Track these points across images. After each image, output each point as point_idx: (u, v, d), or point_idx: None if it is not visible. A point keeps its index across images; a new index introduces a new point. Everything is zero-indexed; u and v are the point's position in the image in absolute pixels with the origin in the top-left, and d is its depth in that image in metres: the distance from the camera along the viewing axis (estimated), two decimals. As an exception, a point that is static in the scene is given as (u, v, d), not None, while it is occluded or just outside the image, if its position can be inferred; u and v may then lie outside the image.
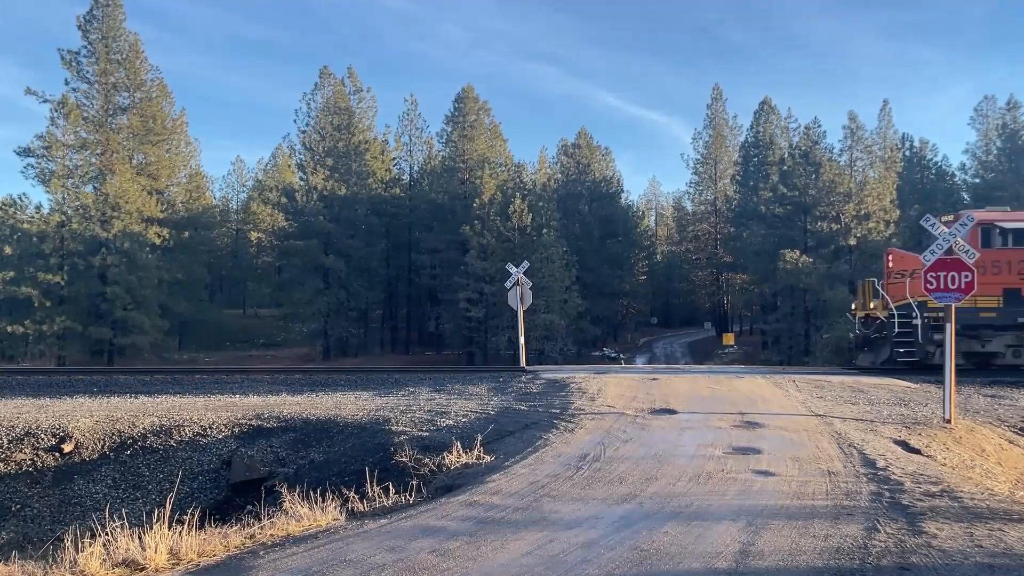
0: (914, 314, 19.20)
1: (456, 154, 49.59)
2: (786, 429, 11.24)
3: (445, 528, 6.51)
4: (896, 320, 19.45)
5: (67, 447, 12.54)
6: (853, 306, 20.74)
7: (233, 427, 12.90)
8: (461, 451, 10.06)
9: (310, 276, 47.37)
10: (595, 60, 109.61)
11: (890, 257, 21.30)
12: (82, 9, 51.61)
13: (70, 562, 6.00)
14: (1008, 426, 12.69)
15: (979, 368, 19.38)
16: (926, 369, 19.06)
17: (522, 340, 22.12)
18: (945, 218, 22.26)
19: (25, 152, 39.84)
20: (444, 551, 5.81)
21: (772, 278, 44.43)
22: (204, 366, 34.50)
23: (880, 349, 20.22)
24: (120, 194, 39.54)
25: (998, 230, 19.47)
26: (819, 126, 45.99)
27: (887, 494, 7.57)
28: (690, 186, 57.09)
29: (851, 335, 21.40)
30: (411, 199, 51.61)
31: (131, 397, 16.54)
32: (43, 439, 12.72)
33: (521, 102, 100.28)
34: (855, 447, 9.99)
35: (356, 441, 11.89)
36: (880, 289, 20.46)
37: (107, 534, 6.38)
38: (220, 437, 12.66)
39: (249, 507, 9.66)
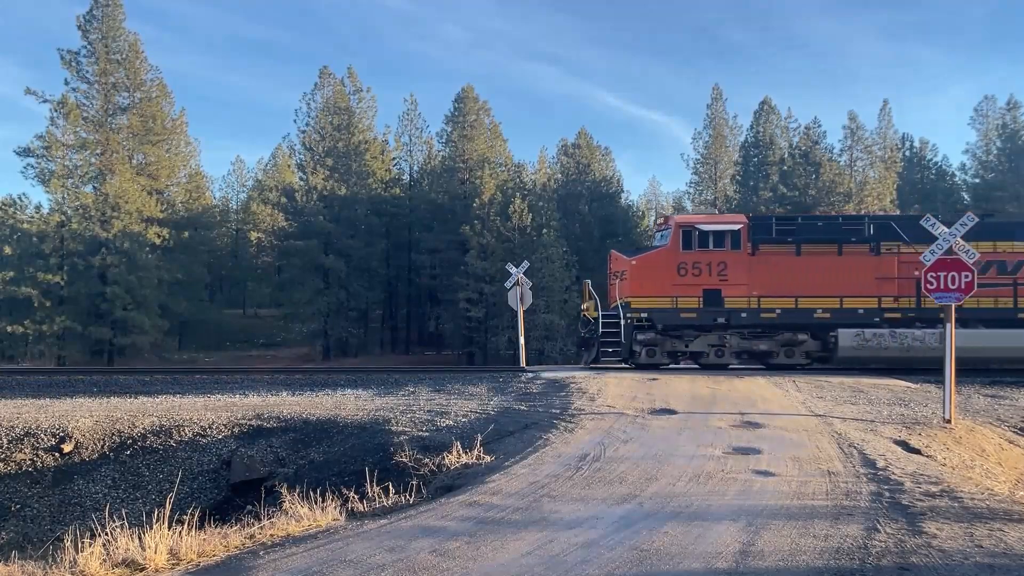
0: (620, 315, 19.59)
1: (456, 154, 49.55)
2: (786, 429, 11.24)
3: (445, 528, 6.50)
4: (600, 320, 19.80)
5: (67, 447, 12.54)
6: (586, 306, 20.99)
7: (233, 427, 12.90)
8: (461, 451, 10.06)
9: (310, 276, 47.35)
10: (595, 60, 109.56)
11: (610, 258, 21.58)
12: (82, 9, 51.58)
13: (70, 562, 6.00)
14: (1008, 426, 12.69)
15: (709, 367, 19.78)
16: (641, 368, 19.47)
17: (522, 340, 22.14)
18: (659, 221, 22.67)
19: (25, 152, 39.82)
20: (444, 551, 5.80)
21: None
22: (204, 366, 34.51)
23: (592, 348, 20.44)
24: (120, 194, 39.50)
25: (697, 232, 19.80)
26: (819, 126, 45.95)
27: (887, 494, 7.57)
28: (690, 186, 57.00)
29: (582, 334, 21.64)
30: (411, 199, 51.56)
31: (131, 397, 16.53)
32: (43, 439, 12.71)
33: (521, 102, 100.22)
34: (855, 447, 9.99)
35: (356, 441, 11.89)
36: (593, 291, 20.71)
37: (107, 534, 6.39)
38: (220, 437, 12.66)
39: (249, 507, 9.66)
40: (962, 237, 19.80)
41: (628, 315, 19.60)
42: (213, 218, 57.23)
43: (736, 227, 19.86)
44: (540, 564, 5.49)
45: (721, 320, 19.61)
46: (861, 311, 19.44)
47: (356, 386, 17.49)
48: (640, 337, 19.66)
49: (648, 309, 19.63)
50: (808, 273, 19.59)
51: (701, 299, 19.61)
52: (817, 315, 19.48)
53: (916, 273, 19.46)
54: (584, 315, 21.01)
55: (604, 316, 19.82)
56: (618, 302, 19.95)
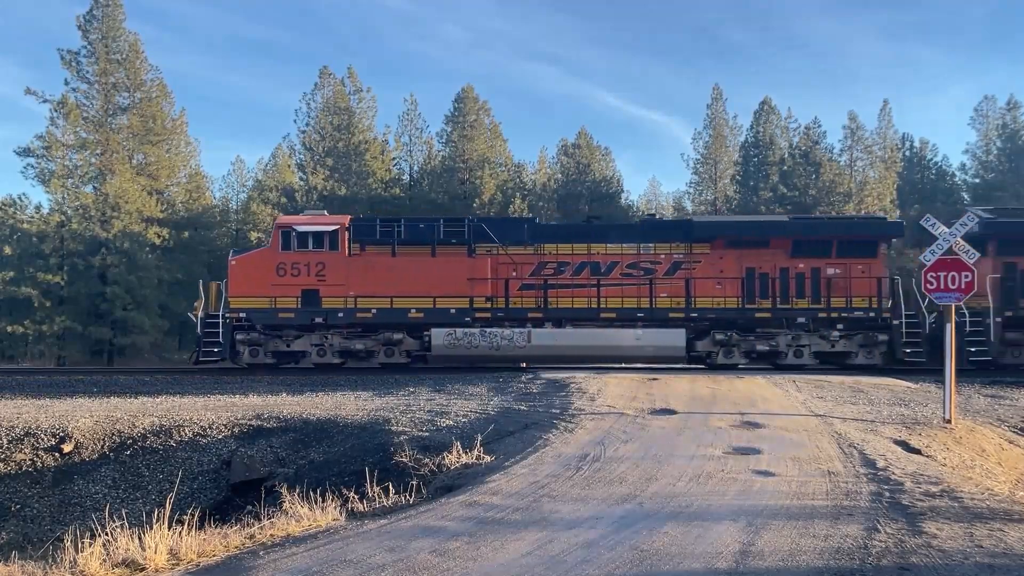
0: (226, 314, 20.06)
1: (456, 154, 49.52)
2: (786, 429, 11.24)
3: (445, 528, 6.50)
4: (201, 320, 20.17)
5: (67, 447, 12.53)
6: (196, 305, 21.13)
7: (233, 427, 12.90)
8: (461, 451, 10.06)
9: (310, 276, 47.31)
10: (595, 60, 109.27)
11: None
12: (82, 9, 51.55)
13: (70, 562, 6.01)
14: (1008, 426, 12.69)
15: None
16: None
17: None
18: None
19: (25, 152, 39.79)
20: (444, 551, 5.80)
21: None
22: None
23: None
24: (120, 194, 39.48)
25: (295, 233, 20.21)
26: (819, 126, 45.83)
27: (887, 494, 7.57)
28: (690, 186, 56.76)
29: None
30: (411, 199, 51.52)
31: (131, 397, 16.54)
32: (43, 439, 12.71)
33: (521, 102, 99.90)
34: (855, 447, 9.99)
35: (356, 441, 11.88)
36: (204, 290, 20.94)
37: (107, 534, 6.39)
38: (220, 437, 12.65)
39: (249, 507, 9.67)
40: (553, 240, 20.78)
41: (227, 315, 20.02)
42: (213, 218, 57.07)
43: (333, 228, 20.29)
44: (540, 564, 5.49)
45: (319, 320, 20.04)
46: (453, 311, 20.05)
47: (356, 386, 17.50)
48: (240, 337, 20.09)
49: (247, 309, 20.05)
50: (403, 274, 20.18)
51: (300, 299, 20.03)
52: (411, 315, 20.06)
53: (513, 274, 20.33)
54: (191, 315, 21.32)
55: (208, 316, 20.19)
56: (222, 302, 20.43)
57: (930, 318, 19.88)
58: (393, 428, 12.02)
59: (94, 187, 41.45)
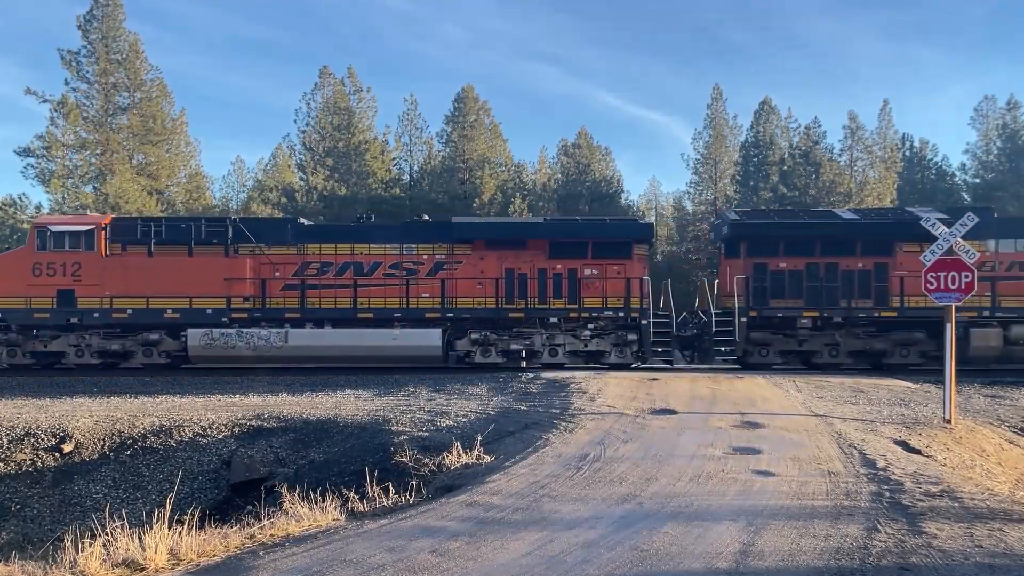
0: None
1: (456, 154, 49.52)
2: (786, 429, 11.24)
3: (445, 528, 6.50)
4: None
5: (67, 447, 12.54)
6: None
7: (233, 427, 12.90)
8: (461, 451, 10.06)
9: (310, 276, 47.26)
10: (595, 60, 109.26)
11: None
12: (82, 9, 51.59)
13: (70, 562, 6.01)
14: (1008, 426, 12.69)
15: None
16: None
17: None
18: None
19: (25, 152, 39.81)
20: (444, 551, 5.80)
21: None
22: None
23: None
24: (120, 194, 39.48)
25: (50, 233, 20.22)
26: (819, 126, 45.82)
27: (887, 494, 7.57)
28: (690, 186, 56.69)
29: None
30: (411, 199, 51.50)
31: (131, 397, 16.55)
32: (43, 439, 12.72)
33: (521, 102, 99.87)
34: (855, 447, 9.99)
35: (356, 441, 11.89)
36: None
37: (107, 534, 6.39)
38: (220, 437, 12.66)
39: (249, 507, 9.67)
40: (317, 240, 20.34)
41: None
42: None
43: (88, 228, 20.28)
44: (540, 564, 5.49)
45: (75, 320, 20.01)
46: (210, 311, 20.04)
47: (356, 386, 17.50)
48: (4, 337, 20.07)
49: (2, 309, 20.04)
50: (160, 274, 20.18)
51: (55, 299, 19.98)
52: (168, 315, 20.06)
53: (277, 274, 20.38)
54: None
55: None
56: None
57: (678, 319, 20.77)
58: (393, 428, 12.03)
59: (94, 187, 41.44)
